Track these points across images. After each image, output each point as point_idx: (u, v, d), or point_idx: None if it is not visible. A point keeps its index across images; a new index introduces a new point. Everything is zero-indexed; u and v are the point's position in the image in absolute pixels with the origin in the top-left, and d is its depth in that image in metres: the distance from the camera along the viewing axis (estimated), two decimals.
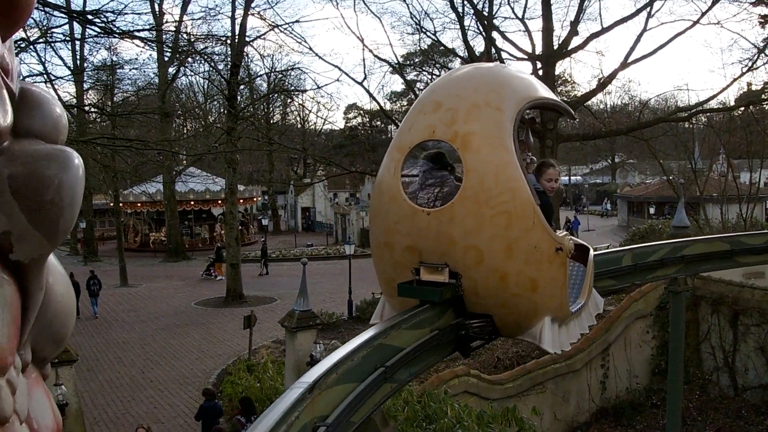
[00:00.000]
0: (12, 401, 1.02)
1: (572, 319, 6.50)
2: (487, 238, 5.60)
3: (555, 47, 21.79)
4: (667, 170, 37.43)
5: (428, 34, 24.56)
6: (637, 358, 19.36)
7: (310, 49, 27.50)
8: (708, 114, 28.62)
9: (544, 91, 6.50)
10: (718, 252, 10.72)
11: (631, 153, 73.02)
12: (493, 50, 23.96)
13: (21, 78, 1.12)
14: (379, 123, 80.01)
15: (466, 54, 27.51)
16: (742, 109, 29.93)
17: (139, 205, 51.08)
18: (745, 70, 26.19)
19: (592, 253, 7.16)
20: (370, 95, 57.11)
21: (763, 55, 27.25)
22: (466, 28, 22.67)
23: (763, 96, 28.92)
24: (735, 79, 25.20)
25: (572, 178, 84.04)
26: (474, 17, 23.22)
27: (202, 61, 30.68)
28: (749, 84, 27.84)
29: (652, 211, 55.37)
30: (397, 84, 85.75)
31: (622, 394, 18.77)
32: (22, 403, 1.05)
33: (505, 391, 16.11)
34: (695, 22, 21.31)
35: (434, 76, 33.66)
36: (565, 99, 23.25)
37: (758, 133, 30.63)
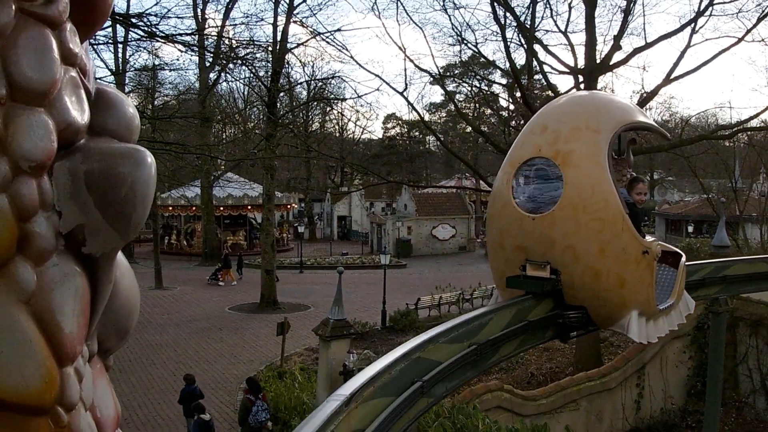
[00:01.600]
0: (79, 389, 1.06)
1: (661, 315, 7.39)
2: (582, 240, 6.65)
3: (597, 62, 21.46)
4: (706, 188, 36.72)
5: (469, 45, 24.47)
6: (673, 378, 19.09)
7: (351, 57, 27.71)
8: (749, 132, 28.07)
9: (639, 116, 7.51)
10: (761, 273, 10.47)
11: (670, 170, 71.86)
12: (535, 63, 23.80)
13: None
14: (417, 134, 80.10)
15: (507, 66, 27.38)
16: None
17: (170, 209, 51.68)
18: None
19: (684, 259, 8.04)
20: (411, 105, 56.79)
21: None
22: (509, 40, 22.45)
23: None
24: None
25: None
26: (516, 29, 23.05)
27: (243, 67, 31.10)
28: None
29: (690, 229, 54.39)
30: (436, 95, 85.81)
31: (656, 415, 18.50)
32: (87, 392, 1.09)
33: (539, 408, 15.94)
34: (740, 39, 21.00)
35: (474, 88, 33.57)
36: None
37: None
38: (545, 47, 22.77)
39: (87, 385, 1.09)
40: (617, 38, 21.38)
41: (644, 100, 22.86)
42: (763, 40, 22.27)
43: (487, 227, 8.01)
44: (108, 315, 1.15)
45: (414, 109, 24.58)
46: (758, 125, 28.06)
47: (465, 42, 23.93)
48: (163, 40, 18.26)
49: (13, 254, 0.99)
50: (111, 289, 1.13)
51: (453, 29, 27.07)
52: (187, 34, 19.85)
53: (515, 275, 6.95)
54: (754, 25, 20.93)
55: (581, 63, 22.02)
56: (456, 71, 34.02)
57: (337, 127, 72.57)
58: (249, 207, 50.78)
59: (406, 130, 79.34)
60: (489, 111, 39.88)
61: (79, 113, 1.05)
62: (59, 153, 1.03)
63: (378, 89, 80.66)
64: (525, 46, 23.90)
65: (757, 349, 18.66)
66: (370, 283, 37.80)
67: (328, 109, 59.58)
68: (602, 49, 22.27)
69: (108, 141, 1.11)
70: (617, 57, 22.01)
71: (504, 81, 31.40)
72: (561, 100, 8.36)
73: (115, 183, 1.06)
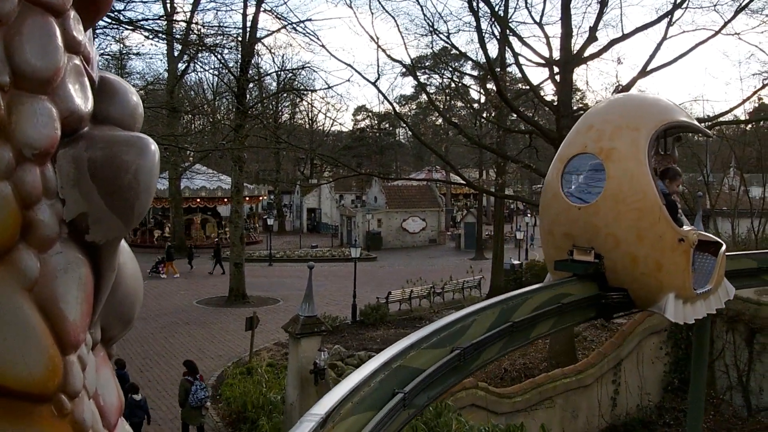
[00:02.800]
0: (82, 377, 1.06)
1: (699, 299, 8.01)
2: (622, 228, 7.38)
3: (573, 53, 21.21)
4: None
5: (441, 36, 24.26)
6: (650, 374, 18.89)
7: (322, 45, 27.56)
8: (721, 126, 28.28)
9: (680, 115, 8.33)
10: (745, 270, 10.48)
11: None
12: (511, 54, 23.60)
13: None
14: (387, 126, 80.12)
15: (480, 57, 27.26)
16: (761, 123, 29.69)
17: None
18: (767, 81, 26.09)
19: (723, 248, 8.73)
20: (383, 95, 56.50)
21: None
22: (483, 31, 22.13)
23: None
24: (755, 92, 24.89)
25: None
26: (491, 18, 22.75)
27: (213, 57, 30.77)
28: (760, 98, 27.64)
29: None
30: (407, 88, 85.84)
31: (632, 411, 18.30)
32: (90, 380, 1.09)
33: (514, 405, 15.76)
34: (717, 32, 20.93)
35: (446, 79, 33.57)
36: (581, 107, 22.80)
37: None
38: (520, 38, 22.52)
39: (90, 373, 1.09)
40: (593, 29, 21.23)
41: (620, 92, 22.78)
42: (737, 33, 22.41)
43: (540, 216, 8.84)
44: (111, 303, 1.15)
45: (386, 99, 24.46)
46: (731, 119, 28.39)
47: (437, 32, 23.77)
48: (129, 27, 17.92)
49: (16, 242, 0.99)
50: (114, 277, 1.13)
51: (425, 20, 26.92)
52: (154, 20, 19.51)
53: (563, 259, 7.78)
54: (732, 18, 20.78)
55: (556, 55, 21.86)
56: (427, 63, 34.04)
57: (307, 118, 72.27)
58: (225, 200, 50.35)
59: (376, 122, 79.33)
60: (460, 103, 39.94)
61: (83, 101, 1.05)
62: (63, 141, 1.03)
63: (349, 80, 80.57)
64: (498, 37, 23.79)
65: (734, 345, 18.51)
66: (340, 276, 37.78)
67: (298, 100, 59.28)
68: (577, 41, 22.10)
69: (111, 129, 1.11)
70: (594, 48, 21.92)
71: (475, 73, 31.45)
72: (607, 101, 9.42)
73: (118, 171, 1.06)
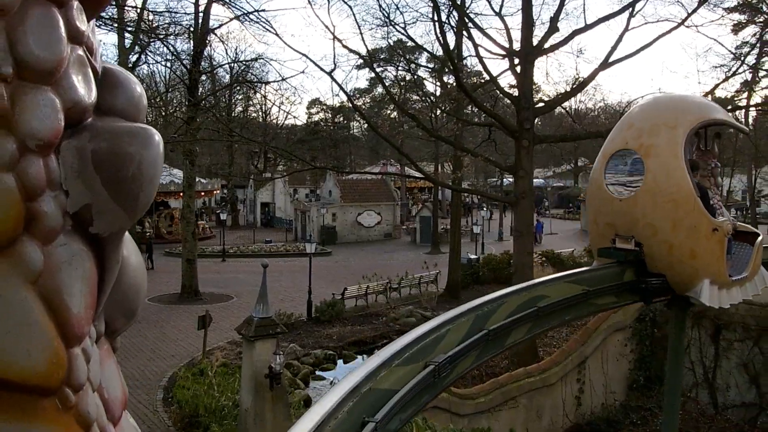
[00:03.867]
0: (86, 369, 1.06)
1: (734, 285, 8.69)
2: (659, 219, 8.04)
3: (534, 44, 20.84)
4: None
5: (397, 27, 23.81)
6: (615, 372, 18.52)
7: (276, 34, 26.97)
8: None
9: (716, 113, 9.00)
10: None
11: (594, 157, 73.52)
12: (471, 45, 23.05)
13: None
14: (341, 119, 79.86)
15: (438, 48, 26.90)
16: None
17: None
18: (729, 74, 26.67)
19: (760, 238, 9.38)
20: (339, 86, 56.37)
21: (738, 62, 28.03)
22: (442, 21, 21.39)
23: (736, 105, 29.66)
24: (716, 86, 25.24)
25: (534, 181, 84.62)
26: (449, 8, 21.98)
27: (165, 49, 30.19)
28: (712, 93, 28.30)
29: None
30: (361, 81, 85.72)
31: (597, 410, 17.88)
32: (94, 373, 1.09)
33: (477, 407, 15.36)
34: (680, 23, 20.90)
35: (401, 71, 33.52)
36: (543, 99, 22.72)
37: (726, 141, 31.20)
38: (480, 28, 21.96)
39: (94, 365, 1.08)
40: (554, 20, 21.01)
41: (581, 84, 22.60)
42: (695, 26, 22.59)
43: (587, 207, 9.74)
44: (115, 295, 1.15)
45: (341, 89, 24.23)
46: None
47: (393, 24, 23.41)
48: None
49: (20, 234, 0.98)
50: (118, 270, 1.13)
51: (381, 10, 26.51)
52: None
53: (606, 247, 8.53)
54: (696, 9, 20.77)
55: (517, 46, 21.40)
56: (382, 56, 33.98)
57: (260, 111, 71.54)
58: (180, 194, 49.54)
59: (330, 115, 79.00)
60: (415, 97, 40.00)
61: (86, 92, 1.04)
62: (66, 132, 1.02)
63: (303, 72, 79.47)
64: (455, 28, 23.44)
65: (699, 342, 18.19)
66: (294, 271, 37.55)
67: (251, 93, 58.65)
68: (538, 34, 21.70)
69: (115, 120, 1.10)
70: (556, 39, 21.60)
71: (431, 65, 31.47)
72: (647, 100, 10.13)
73: (122, 162, 1.05)
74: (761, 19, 29.80)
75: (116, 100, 1.12)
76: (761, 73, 31.53)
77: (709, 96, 25.44)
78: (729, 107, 29.58)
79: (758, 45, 31.07)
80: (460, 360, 5.53)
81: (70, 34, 1.02)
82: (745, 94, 29.62)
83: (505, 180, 67.35)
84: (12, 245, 0.97)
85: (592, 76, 21.32)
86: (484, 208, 58.40)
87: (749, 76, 29.90)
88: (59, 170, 1.02)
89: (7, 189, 0.95)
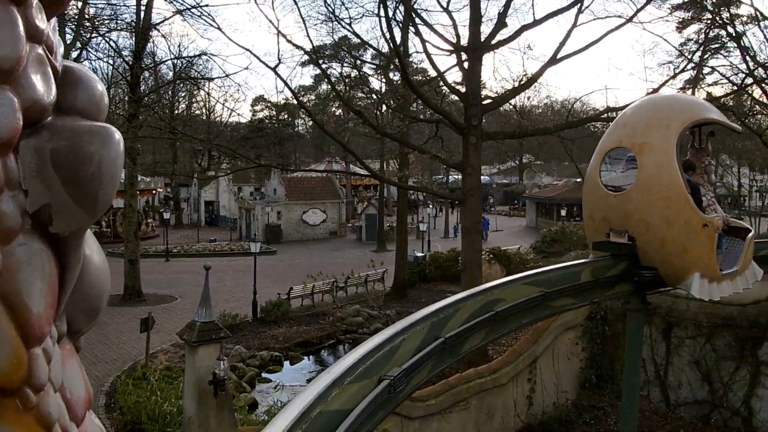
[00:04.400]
0: (47, 370, 1.05)
1: (725, 279, 8.99)
2: (652, 214, 8.42)
3: (482, 39, 20.65)
4: (575, 173, 37.82)
5: (343, 23, 23.54)
6: (566, 371, 18.14)
7: (218, 28, 26.52)
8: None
9: (709, 113, 9.32)
10: None
11: (538, 155, 74.54)
12: (418, 42, 22.71)
13: None
14: (286, 116, 79.32)
15: (383, 46, 26.68)
16: None
17: None
18: (678, 71, 27.37)
19: (751, 234, 9.81)
20: (283, 82, 55.63)
21: (683, 59, 28.83)
22: (389, 17, 21.08)
23: None
24: (664, 83, 25.54)
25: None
26: (397, 2, 21.48)
27: (106, 46, 29.48)
28: (653, 90, 29.01)
29: (563, 213, 56.50)
30: (306, 78, 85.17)
31: (549, 410, 17.56)
32: (56, 373, 1.08)
33: (427, 409, 14.99)
34: (629, 19, 20.90)
35: (346, 67, 33.41)
36: (490, 96, 22.68)
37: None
38: (428, 24, 21.64)
39: (56, 365, 1.08)
40: (502, 15, 20.89)
41: (530, 81, 22.43)
42: (642, 23, 22.86)
43: (583, 203, 10.09)
44: (77, 295, 1.14)
45: (286, 85, 23.82)
46: None
47: (338, 19, 23.17)
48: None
49: None
50: (80, 269, 1.12)
51: (326, 5, 26.30)
52: None
53: (601, 241, 8.94)
54: (645, 5, 20.92)
55: (465, 42, 21.13)
56: (327, 52, 33.83)
57: (204, 109, 70.45)
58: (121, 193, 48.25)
59: (275, 112, 78.39)
60: (360, 94, 40.02)
61: (46, 91, 1.03)
62: (25, 131, 1.01)
63: (247, 68, 78.74)
64: (401, 24, 23.24)
65: (650, 339, 17.81)
66: (239, 270, 37.15)
67: (195, 90, 57.69)
68: (486, 31, 21.55)
69: (75, 119, 1.09)
70: (504, 35, 21.44)
71: (377, 62, 31.44)
72: (642, 100, 10.55)
73: (81, 161, 1.05)
74: (706, 17, 30.78)
75: (77, 99, 1.11)
76: (705, 70, 32.55)
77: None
78: None
79: (702, 42, 32.11)
80: (416, 372, 5.25)
81: (28, 33, 1.01)
82: (689, 92, 30.49)
83: (450, 177, 68.12)
84: None
85: (540, 72, 21.22)
86: (430, 206, 58.85)
87: (693, 74, 30.80)
88: (18, 170, 1.01)
89: None
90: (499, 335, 7.57)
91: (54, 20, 1.09)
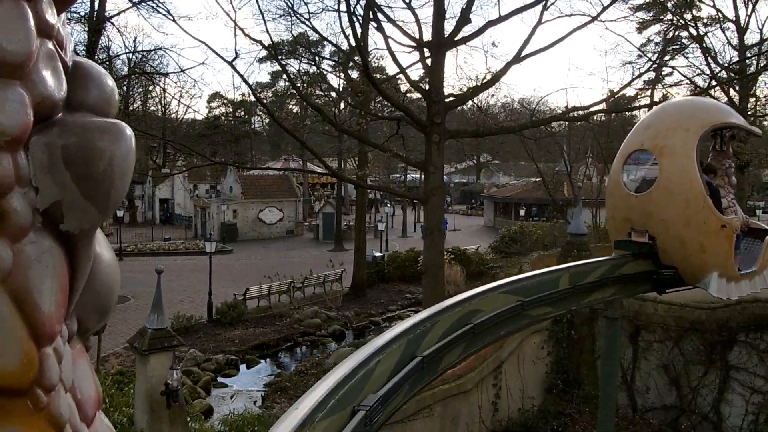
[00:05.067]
0: (58, 369, 1.04)
1: (743, 279, 9.27)
2: (671, 215, 8.76)
3: (446, 35, 20.28)
4: (542, 172, 38.06)
5: (301, 18, 23.07)
6: (531, 376, 17.69)
7: (173, 20, 26.00)
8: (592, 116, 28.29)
9: (729, 117, 9.69)
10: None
11: (497, 154, 75.13)
12: (379, 38, 22.62)
13: None
14: (242, 113, 78.50)
15: (342, 42, 26.29)
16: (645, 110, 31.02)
17: None
18: (642, 71, 27.73)
19: None
20: (241, 76, 55.48)
21: (645, 59, 29.31)
22: (351, 11, 20.57)
23: (639, 103, 31.02)
24: (628, 84, 25.72)
25: None
26: None
27: None
28: (612, 91, 29.26)
29: (521, 212, 56.94)
30: (263, 75, 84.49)
31: (514, 416, 17.07)
32: (67, 372, 1.07)
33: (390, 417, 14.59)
34: (594, 18, 20.74)
35: (305, 64, 33.15)
36: (454, 94, 22.50)
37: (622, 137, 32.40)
38: (390, 19, 21.10)
39: (66, 365, 1.06)
40: (466, 11, 20.63)
41: (494, 78, 21.96)
42: (604, 22, 23.05)
43: (606, 203, 10.54)
44: (87, 293, 1.13)
45: (243, 80, 23.70)
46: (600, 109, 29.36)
47: (297, 14, 22.79)
48: None
49: None
50: (90, 267, 1.11)
51: (284, 0, 25.90)
52: None
53: (622, 240, 9.27)
54: (610, 3, 20.83)
55: (428, 38, 20.82)
56: (284, 49, 33.55)
57: (159, 105, 69.24)
58: None
59: (231, 109, 77.52)
60: (318, 92, 39.80)
61: (56, 86, 1.02)
62: (36, 127, 1.00)
63: (204, 63, 77.71)
64: (361, 19, 23.01)
65: None
66: (194, 270, 36.66)
67: (150, 86, 56.67)
68: (448, 29, 21.28)
69: (86, 115, 1.08)
70: (468, 31, 21.08)
71: (336, 59, 31.25)
72: (665, 104, 11.05)
73: (93, 158, 1.04)
74: (667, 18, 31.42)
75: (87, 95, 1.10)
76: (666, 71, 33.20)
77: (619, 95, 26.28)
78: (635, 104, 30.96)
79: (662, 43, 32.75)
80: (392, 398, 4.68)
81: (39, 28, 0.99)
82: (648, 92, 30.99)
83: (408, 176, 68.33)
84: None
85: (504, 71, 20.85)
86: (388, 204, 58.91)
87: (653, 75, 31.29)
88: (28, 166, 1.00)
89: None
90: (477, 349, 6.70)
91: (63, 15, 1.07)
